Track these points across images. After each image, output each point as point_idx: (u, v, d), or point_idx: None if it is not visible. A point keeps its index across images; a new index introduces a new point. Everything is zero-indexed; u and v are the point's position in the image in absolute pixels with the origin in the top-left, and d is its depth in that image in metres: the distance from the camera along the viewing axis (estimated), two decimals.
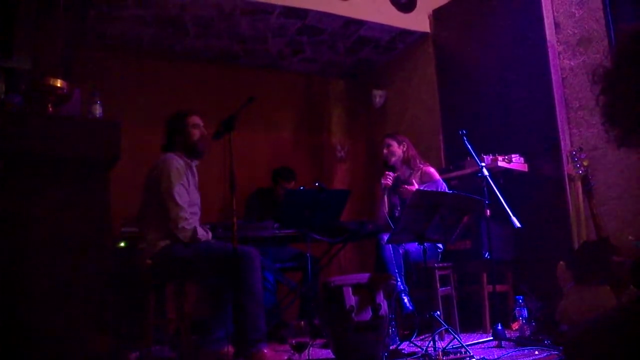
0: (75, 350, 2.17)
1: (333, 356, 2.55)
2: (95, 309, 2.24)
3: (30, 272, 2.13)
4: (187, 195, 2.78)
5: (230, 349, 2.68)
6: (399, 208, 3.49)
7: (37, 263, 2.14)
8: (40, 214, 2.18)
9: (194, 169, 2.95)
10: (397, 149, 3.59)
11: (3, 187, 2.12)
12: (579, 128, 3.58)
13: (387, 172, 3.51)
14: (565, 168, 3.40)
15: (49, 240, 2.18)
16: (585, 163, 3.01)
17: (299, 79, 5.35)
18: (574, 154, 3.04)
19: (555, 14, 3.77)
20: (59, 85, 2.27)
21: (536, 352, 2.45)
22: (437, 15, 4.54)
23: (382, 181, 3.50)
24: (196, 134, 2.90)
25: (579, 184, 3.00)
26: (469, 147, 3.11)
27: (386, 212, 3.46)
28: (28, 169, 2.17)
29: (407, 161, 3.58)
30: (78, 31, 4.00)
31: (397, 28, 4.46)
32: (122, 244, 3.31)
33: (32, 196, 2.17)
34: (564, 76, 3.69)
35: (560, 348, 2.39)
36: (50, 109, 2.28)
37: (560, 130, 3.58)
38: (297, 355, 2.18)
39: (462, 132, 3.14)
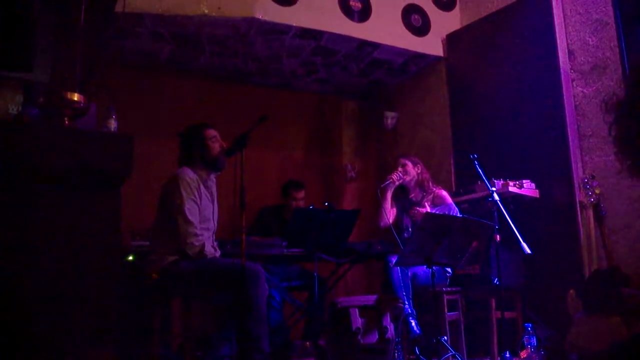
0: None
1: None
2: (100, 322, 2.25)
3: (38, 283, 2.14)
4: (197, 211, 2.78)
5: None
6: (409, 229, 3.47)
7: (46, 274, 2.15)
8: (51, 226, 2.20)
9: (210, 183, 2.95)
10: (412, 170, 3.57)
11: (17, 198, 2.14)
12: (591, 155, 3.56)
13: (396, 170, 3.48)
14: (577, 195, 3.38)
15: (59, 252, 2.20)
16: (597, 191, 2.99)
17: (312, 99, 5.39)
18: (586, 182, 3.02)
19: (569, 41, 3.78)
20: (75, 99, 2.31)
21: None
22: (451, 40, 4.58)
23: (388, 176, 3.46)
24: (216, 147, 2.91)
25: (591, 211, 2.98)
26: (480, 171, 3.10)
27: (390, 216, 3.42)
28: (42, 181, 2.20)
29: (420, 183, 3.56)
30: (96, 46, 4.07)
31: (410, 51, 4.51)
32: (131, 258, 3.33)
33: (45, 208, 2.20)
34: (577, 103, 3.69)
35: None
36: (67, 122, 2.31)
37: (572, 157, 3.57)
38: None
39: (474, 156, 3.14)
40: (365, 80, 5.09)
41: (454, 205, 3.48)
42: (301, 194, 4.27)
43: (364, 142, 5.55)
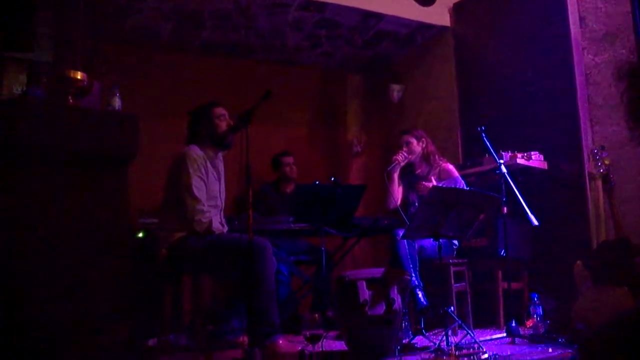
0: (93, 336, 2.22)
1: (346, 348, 2.56)
2: (113, 297, 2.29)
3: (49, 261, 2.18)
4: (204, 188, 2.80)
5: (245, 339, 2.71)
6: (416, 204, 3.46)
7: (56, 252, 2.19)
8: (60, 204, 2.23)
9: (217, 161, 2.96)
10: (417, 146, 3.52)
11: (23, 178, 2.16)
12: (602, 125, 3.52)
13: (400, 151, 3.46)
14: (586, 166, 3.35)
15: (67, 230, 2.23)
16: (606, 161, 2.96)
17: (316, 73, 5.33)
18: (596, 152, 2.99)
19: (580, 8, 3.69)
20: (79, 77, 2.31)
21: (550, 350, 2.43)
22: (458, 9, 4.48)
23: (394, 157, 3.43)
24: (222, 125, 2.91)
25: (600, 182, 2.96)
26: (488, 143, 3.08)
27: (398, 198, 3.41)
28: (48, 161, 2.21)
29: (426, 157, 3.52)
30: (97, 24, 4.05)
31: (416, 22, 4.42)
32: (141, 235, 3.37)
33: (52, 187, 2.22)
34: (588, 72, 3.63)
35: (575, 346, 2.37)
36: (71, 101, 2.31)
37: (582, 127, 3.53)
38: (311, 346, 2.20)
39: (481, 128, 3.11)
40: (371, 53, 5.02)
41: (461, 178, 3.46)
42: (289, 159, 4.29)
43: (369, 116, 5.51)
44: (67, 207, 2.24)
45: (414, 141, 3.52)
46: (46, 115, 2.18)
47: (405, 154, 3.45)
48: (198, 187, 2.75)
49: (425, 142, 3.53)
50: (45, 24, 2.99)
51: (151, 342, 2.90)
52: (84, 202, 2.27)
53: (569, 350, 2.37)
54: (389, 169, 3.46)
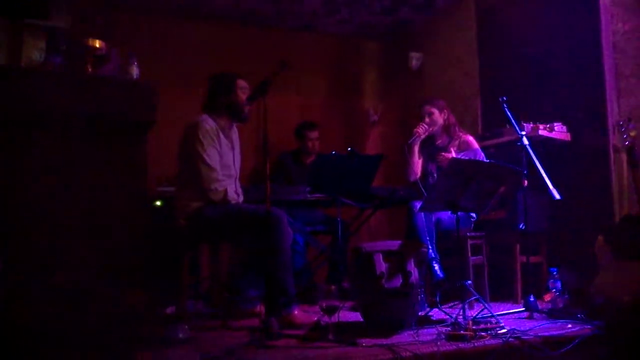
0: (112, 303, 2.26)
1: (362, 319, 2.58)
2: (131, 264, 2.32)
3: (67, 227, 2.21)
4: (218, 157, 2.79)
5: (262, 308, 2.74)
6: (434, 175, 3.42)
7: (74, 220, 2.21)
8: (79, 172, 2.24)
9: (231, 132, 2.95)
10: (439, 117, 3.44)
11: (43, 146, 2.17)
12: (629, 97, 3.40)
13: (421, 123, 3.39)
14: (611, 139, 3.27)
15: (86, 198, 2.25)
16: (632, 134, 2.87)
17: (333, 41, 5.23)
18: (621, 124, 2.90)
19: None
20: (97, 45, 2.29)
21: (569, 325, 2.40)
22: None
23: (414, 130, 3.37)
24: (243, 97, 2.89)
25: (624, 155, 2.88)
26: (509, 114, 3.00)
27: (418, 170, 3.37)
28: (68, 129, 2.21)
29: (447, 129, 3.44)
30: None
31: None
32: (158, 203, 3.39)
33: (72, 155, 2.23)
34: (616, 40, 3.49)
35: (595, 322, 2.35)
36: (90, 69, 2.30)
37: (608, 98, 3.42)
38: (327, 317, 2.22)
39: (503, 98, 3.02)
40: (389, 19, 4.89)
41: (480, 150, 3.40)
42: (315, 134, 4.26)
43: (387, 85, 5.42)
44: (86, 175, 2.25)
45: (436, 112, 3.43)
46: (66, 83, 2.18)
47: (425, 127, 3.38)
48: (211, 156, 2.75)
49: (446, 114, 3.45)
50: None
51: (169, 309, 2.95)
52: (103, 170, 2.29)
53: (588, 326, 2.35)
54: (409, 141, 3.40)
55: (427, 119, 3.42)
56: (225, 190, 2.77)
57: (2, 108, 1.98)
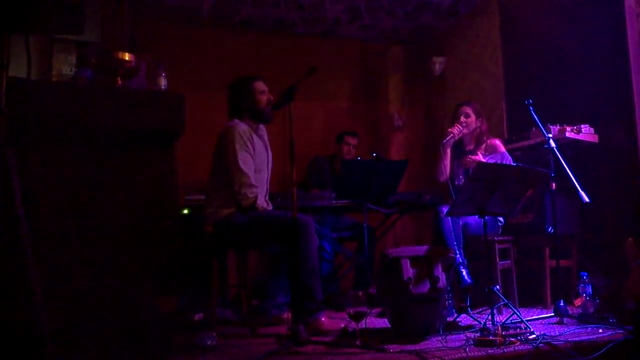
0: (142, 310, 2.31)
1: (389, 326, 2.58)
2: (161, 272, 2.37)
3: (101, 235, 2.27)
4: (252, 162, 2.79)
5: (289, 315, 2.76)
6: (460, 177, 3.39)
7: (106, 229, 2.27)
8: (110, 183, 2.31)
9: (261, 132, 2.95)
10: (474, 121, 3.38)
11: (75, 158, 2.23)
12: None
13: (457, 123, 3.35)
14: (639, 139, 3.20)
15: (117, 208, 2.31)
16: None
17: (356, 46, 5.26)
18: None
19: None
20: (127, 59, 2.35)
21: (600, 331, 2.36)
22: None
23: (449, 129, 3.32)
24: (263, 100, 2.89)
25: None
26: (535, 117, 2.97)
27: (448, 171, 3.34)
28: (99, 141, 2.28)
29: (478, 136, 3.40)
30: (139, 2, 4.09)
31: None
32: (186, 211, 3.45)
33: (103, 166, 2.30)
34: None
35: (627, 327, 2.31)
36: (119, 82, 2.37)
37: (635, 98, 3.35)
38: (354, 324, 2.22)
39: (528, 101, 2.99)
40: (412, 25, 4.90)
41: (507, 153, 3.37)
42: (354, 141, 4.32)
43: (410, 90, 5.41)
44: (117, 186, 2.32)
45: (473, 114, 3.39)
46: (96, 97, 2.24)
47: (460, 128, 3.34)
48: (245, 161, 2.75)
49: (482, 120, 3.41)
50: (91, 4, 3.05)
51: (197, 316, 2.99)
52: (133, 181, 2.35)
53: (620, 331, 2.30)
54: (443, 141, 3.36)
55: (462, 119, 3.38)
56: (256, 197, 2.76)
57: (35, 122, 2.04)
